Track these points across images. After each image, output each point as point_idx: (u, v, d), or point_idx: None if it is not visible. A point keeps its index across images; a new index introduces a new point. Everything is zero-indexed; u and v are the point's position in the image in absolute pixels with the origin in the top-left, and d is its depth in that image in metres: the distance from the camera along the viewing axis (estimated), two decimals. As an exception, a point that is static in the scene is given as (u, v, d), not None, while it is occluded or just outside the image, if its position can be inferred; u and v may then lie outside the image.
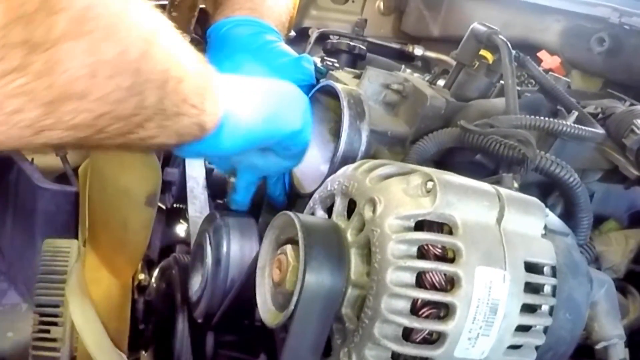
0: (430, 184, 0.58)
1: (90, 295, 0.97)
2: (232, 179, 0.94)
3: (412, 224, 0.58)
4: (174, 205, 1.31)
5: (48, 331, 1.01)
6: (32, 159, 1.64)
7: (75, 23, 0.49)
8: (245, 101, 0.75)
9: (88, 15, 0.50)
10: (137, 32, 0.55)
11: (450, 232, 0.58)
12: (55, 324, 1.01)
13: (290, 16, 1.12)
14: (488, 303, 0.57)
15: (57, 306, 1.00)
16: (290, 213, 0.63)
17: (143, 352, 1.13)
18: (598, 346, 0.74)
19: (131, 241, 0.99)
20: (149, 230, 0.99)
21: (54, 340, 1.00)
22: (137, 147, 0.64)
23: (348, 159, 0.84)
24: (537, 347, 0.63)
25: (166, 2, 1.18)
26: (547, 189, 0.87)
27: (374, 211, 0.59)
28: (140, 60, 0.55)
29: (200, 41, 1.15)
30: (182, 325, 0.99)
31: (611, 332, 0.74)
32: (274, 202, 1.00)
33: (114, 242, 0.99)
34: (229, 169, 0.95)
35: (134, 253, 1.01)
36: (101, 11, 0.51)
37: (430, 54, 1.75)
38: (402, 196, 0.59)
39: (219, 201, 1.16)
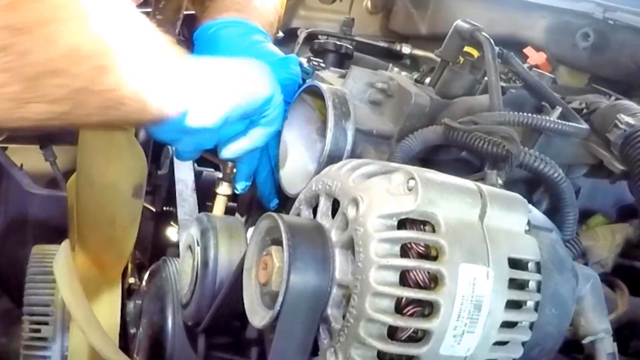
0: (412, 182, 0.58)
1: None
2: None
3: (394, 222, 0.58)
4: (164, 208, 1.31)
5: (39, 330, 1.01)
6: (22, 165, 1.64)
7: (57, 9, 0.55)
8: (213, 78, 0.80)
9: (67, 2, 0.56)
10: (107, 16, 0.61)
11: (433, 230, 0.58)
12: (45, 323, 1.01)
13: (278, 16, 1.12)
14: (472, 300, 0.57)
15: (47, 305, 1.00)
16: (275, 214, 0.64)
17: (135, 356, 1.12)
18: (585, 341, 0.75)
19: (119, 237, 0.99)
20: (137, 225, 0.99)
21: (44, 339, 1.00)
22: (119, 123, 0.71)
23: (334, 158, 0.84)
24: (523, 343, 0.63)
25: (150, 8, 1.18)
26: (533, 185, 0.88)
27: (357, 210, 0.59)
28: (113, 42, 0.61)
29: (187, 43, 1.15)
30: (173, 328, 0.99)
31: (598, 326, 0.75)
32: (263, 202, 1.01)
33: (102, 239, 0.99)
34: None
35: (123, 248, 1.01)
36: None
37: (418, 52, 1.75)
38: (384, 195, 0.59)
39: (208, 203, 1.16)
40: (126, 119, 0.70)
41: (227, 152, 0.90)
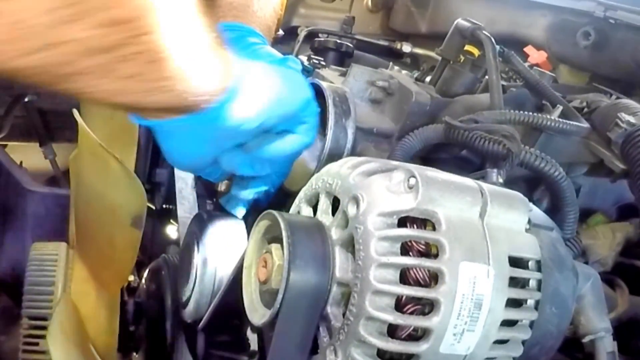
0: (412, 180, 0.58)
1: (78, 315, 0.96)
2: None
3: (395, 220, 0.58)
4: (164, 206, 1.31)
5: (37, 344, 1.01)
6: (21, 162, 1.64)
7: None
8: (254, 75, 0.76)
9: None
10: None
11: (434, 228, 0.58)
12: (43, 336, 1.00)
13: (278, 19, 1.11)
14: (472, 298, 0.57)
15: (45, 319, 0.99)
16: (275, 212, 0.63)
17: (134, 354, 1.12)
18: (585, 340, 0.75)
19: (118, 258, 0.97)
20: (136, 250, 0.97)
21: (42, 352, 1.00)
22: (145, 101, 0.63)
23: (334, 156, 0.84)
24: (523, 342, 0.63)
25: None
26: (533, 183, 0.88)
27: (357, 208, 0.59)
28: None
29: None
30: (172, 326, 0.99)
31: (598, 325, 0.74)
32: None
33: (101, 257, 0.98)
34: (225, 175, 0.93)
35: (121, 270, 1.00)
36: None
37: (419, 51, 1.75)
38: (384, 193, 0.59)
39: (209, 201, 1.16)
40: (156, 96, 0.63)
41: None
